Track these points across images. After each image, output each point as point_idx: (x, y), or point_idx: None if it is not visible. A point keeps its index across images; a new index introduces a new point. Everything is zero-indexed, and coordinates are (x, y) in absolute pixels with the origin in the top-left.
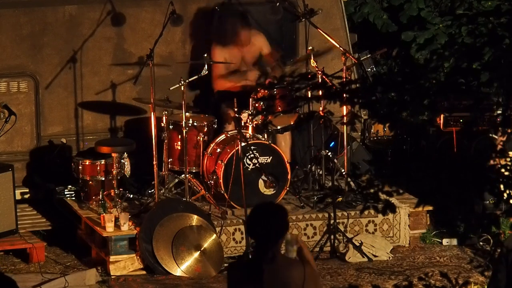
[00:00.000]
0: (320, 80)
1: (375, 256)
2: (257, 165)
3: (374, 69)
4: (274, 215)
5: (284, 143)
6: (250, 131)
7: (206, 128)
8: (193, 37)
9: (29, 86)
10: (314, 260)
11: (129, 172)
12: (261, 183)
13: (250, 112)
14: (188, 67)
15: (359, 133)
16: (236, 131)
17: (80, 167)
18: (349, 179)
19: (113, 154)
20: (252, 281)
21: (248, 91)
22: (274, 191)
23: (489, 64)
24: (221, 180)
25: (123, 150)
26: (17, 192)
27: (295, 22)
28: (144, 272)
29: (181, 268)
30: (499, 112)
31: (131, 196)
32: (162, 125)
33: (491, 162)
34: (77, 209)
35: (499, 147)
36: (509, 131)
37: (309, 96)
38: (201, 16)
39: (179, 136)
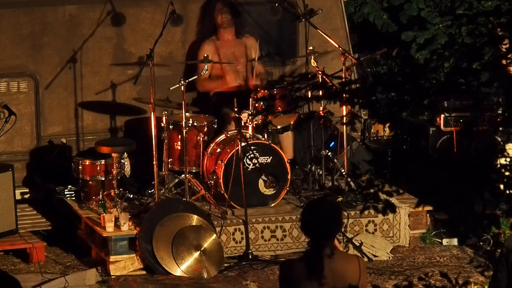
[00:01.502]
0: (320, 80)
1: (375, 256)
2: (257, 165)
3: (374, 69)
4: (330, 211)
5: (286, 139)
6: (250, 131)
7: (206, 128)
8: (192, 37)
9: (29, 86)
10: None
11: (129, 172)
12: (261, 183)
13: (250, 112)
14: (188, 67)
15: (359, 133)
16: (236, 131)
17: (80, 167)
18: (349, 179)
19: (113, 154)
20: (314, 277)
21: (248, 91)
22: (274, 191)
23: (489, 64)
24: (221, 180)
25: (123, 150)
26: (17, 192)
27: (295, 22)
28: (144, 272)
29: (181, 268)
30: (499, 112)
31: (131, 196)
32: (162, 125)
33: (497, 161)
34: (77, 209)
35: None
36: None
37: (309, 96)
38: (199, 15)
39: (179, 136)
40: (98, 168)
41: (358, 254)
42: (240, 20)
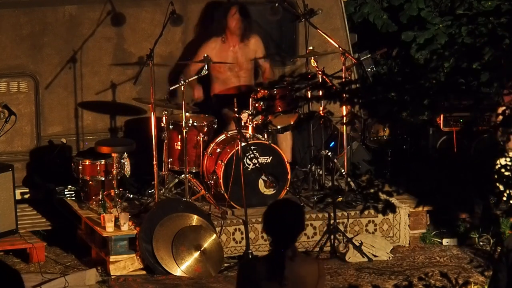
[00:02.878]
0: (320, 80)
1: (375, 256)
2: (257, 165)
3: (374, 69)
4: (295, 212)
5: (285, 143)
6: (250, 131)
7: (206, 128)
8: (192, 37)
9: (29, 86)
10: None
11: (129, 172)
12: (261, 183)
13: (250, 112)
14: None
15: (359, 133)
16: (236, 131)
17: (80, 167)
18: (349, 179)
19: (113, 154)
20: (274, 278)
21: (245, 92)
22: (274, 191)
23: (489, 64)
24: (221, 180)
25: (123, 150)
26: (17, 192)
27: (295, 22)
28: (144, 272)
29: (181, 268)
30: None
31: (131, 196)
32: (162, 125)
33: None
34: (77, 209)
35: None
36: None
37: (309, 96)
38: (201, 16)
39: (179, 136)
40: (98, 168)
41: (319, 258)
42: (248, 20)
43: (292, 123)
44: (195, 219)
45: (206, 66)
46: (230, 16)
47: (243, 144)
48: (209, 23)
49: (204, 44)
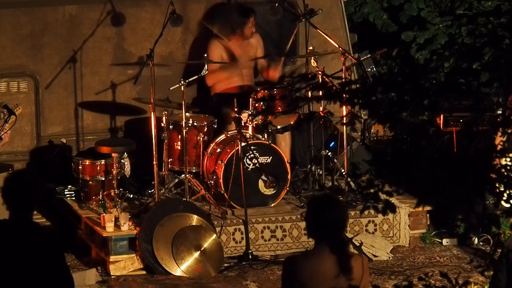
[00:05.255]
0: (320, 80)
1: (375, 256)
2: (257, 165)
3: (374, 69)
4: (345, 209)
5: (284, 143)
6: (250, 131)
7: (206, 128)
8: (192, 37)
9: (29, 86)
10: None
11: (129, 172)
12: (261, 183)
13: (250, 112)
14: (187, 67)
15: (359, 133)
16: (236, 131)
17: (80, 167)
18: (349, 179)
19: (113, 154)
20: (336, 272)
21: (247, 91)
22: (274, 191)
23: (489, 64)
24: (221, 180)
25: (123, 150)
26: None
27: (295, 22)
28: (144, 272)
29: (181, 268)
30: (499, 112)
31: (131, 196)
32: (162, 125)
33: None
34: (77, 209)
35: (499, 147)
36: (509, 131)
37: (309, 96)
38: (201, 16)
39: (179, 136)
40: (98, 168)
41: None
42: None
43: (292, 123)
44: (195, 219)
45: (206, 66)
46: (248, 26)
47: (243, 144)
48: (218, 19)
49: (210, 45)
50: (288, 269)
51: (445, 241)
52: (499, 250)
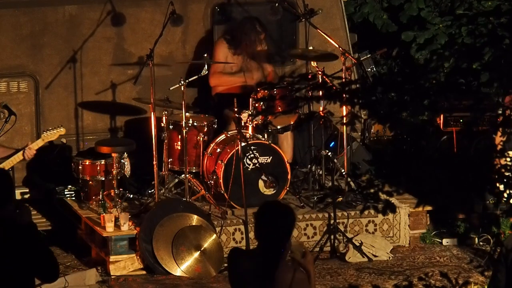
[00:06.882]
0: (320, 80)
1: (375, 256)
2: (257, 165)
3: (374, 69)
4: (288, 215)
5: (286, 143)
6: (250, 131)
7: (206, 128)
8: (192, 37)
9: (29, 86)
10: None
11: (129, 172)
12: (261, 183)
13: (250, 112)
14: (187, 67)
15: (359, 133)
16: (236, 131)
17: (80, 167)
18: (349, 179)
19: (113, 154)
20: (263, 277)
21: (248, 91)
22: (274, 191)
23: (489, 64)
24: (221, 180)
25: (123, 150)
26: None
27: (295, 22)
28: (144, 272)
29: (181, 268)
30: (499, 112)
31: (131, 196)
32: (162, 125)
33: (496, 161)
34: (77, 209)
35: (499, 147)
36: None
37: (309, 96)
38: (201, 16)
39: (179, 136)
40: (98, 168)
41: (311, 267)
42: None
43: (292, 123)
44: (195, 219)
45: (206, 66)
46: (259, 41)
47: (243, 144)
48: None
49: (217, 45)
50: (230, 260)
51: (445, 241)
52: (499, 250)
